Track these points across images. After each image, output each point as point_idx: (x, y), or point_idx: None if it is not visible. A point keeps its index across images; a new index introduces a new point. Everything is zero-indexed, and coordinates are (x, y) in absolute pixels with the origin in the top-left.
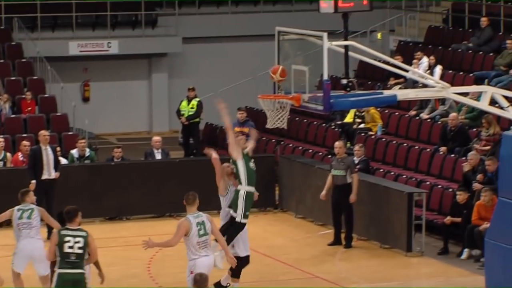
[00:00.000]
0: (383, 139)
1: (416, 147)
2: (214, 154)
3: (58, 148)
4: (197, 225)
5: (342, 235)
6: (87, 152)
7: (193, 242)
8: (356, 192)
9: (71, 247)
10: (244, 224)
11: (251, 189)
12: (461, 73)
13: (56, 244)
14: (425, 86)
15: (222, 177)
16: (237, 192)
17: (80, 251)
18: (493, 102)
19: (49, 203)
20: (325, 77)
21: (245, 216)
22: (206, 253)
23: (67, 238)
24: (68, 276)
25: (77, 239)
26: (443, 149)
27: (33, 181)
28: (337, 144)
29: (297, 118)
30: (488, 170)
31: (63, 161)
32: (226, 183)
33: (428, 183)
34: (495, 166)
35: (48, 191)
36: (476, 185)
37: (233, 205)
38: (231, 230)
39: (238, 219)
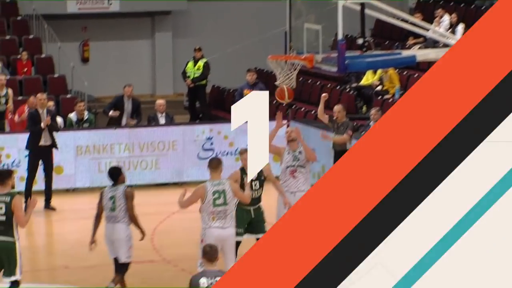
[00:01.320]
0: None
1: None
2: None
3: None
4: (214, 193)
5: None
6: (86, 115)
7: (207, 211)
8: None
9: None
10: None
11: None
12: None
13: None
14: (446, 46)
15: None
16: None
17: (2, 218)
18: None
19: (48, 171)
20: (340, 36)
21: (237, 234)
22: (220, 225)
23: None
24: None
25: (0, 205)
26: None
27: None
28: (336, 108)
29: (309, 80)
30: None
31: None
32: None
33: None
34: None
35: (45, 159)
36: None
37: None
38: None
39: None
